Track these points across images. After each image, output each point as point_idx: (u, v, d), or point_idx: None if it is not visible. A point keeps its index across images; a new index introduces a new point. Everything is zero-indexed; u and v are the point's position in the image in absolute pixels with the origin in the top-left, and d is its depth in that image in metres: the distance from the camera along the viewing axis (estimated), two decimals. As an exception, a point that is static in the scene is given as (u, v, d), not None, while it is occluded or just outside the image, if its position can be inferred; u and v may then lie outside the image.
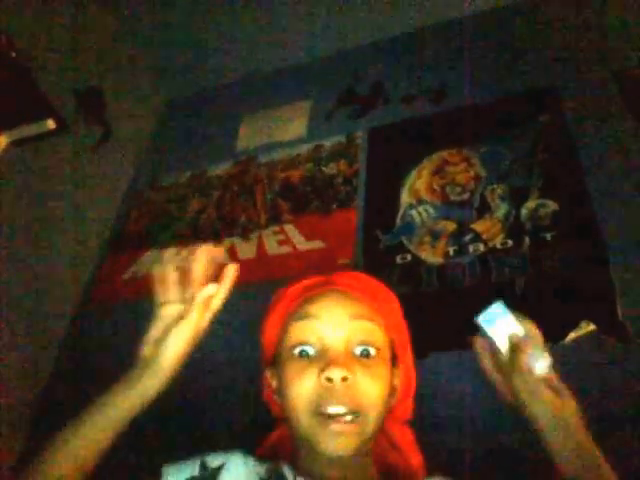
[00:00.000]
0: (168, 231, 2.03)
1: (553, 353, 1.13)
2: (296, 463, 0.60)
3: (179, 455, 0.60)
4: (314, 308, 0.62)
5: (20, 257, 1.75)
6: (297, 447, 0.62)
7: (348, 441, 0.55)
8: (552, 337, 1.22)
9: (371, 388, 0.57)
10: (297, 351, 0.59)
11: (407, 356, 0.69)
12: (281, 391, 0.60)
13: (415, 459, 0.67)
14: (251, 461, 0.58)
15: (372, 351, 0.60)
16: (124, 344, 1.88)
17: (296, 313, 0.63)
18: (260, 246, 1.80)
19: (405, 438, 0.68)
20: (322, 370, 0.56)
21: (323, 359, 0.57)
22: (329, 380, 0.55)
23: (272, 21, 2.24)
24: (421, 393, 1.28)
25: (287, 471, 0.58)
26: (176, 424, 1.42)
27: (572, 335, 1.20)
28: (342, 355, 0.57)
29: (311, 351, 0.59)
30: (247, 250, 1.80)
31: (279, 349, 0.63)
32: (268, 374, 0.67)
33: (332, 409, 0.55)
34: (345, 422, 0.55)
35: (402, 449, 0.67)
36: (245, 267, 2.10)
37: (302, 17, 2.21)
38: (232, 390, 1.41)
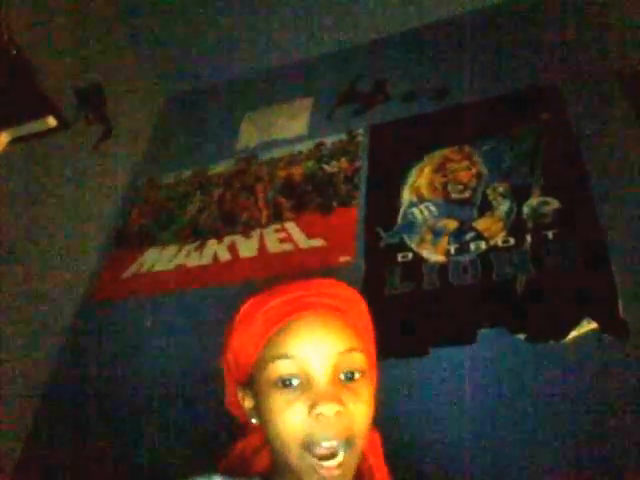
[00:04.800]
0: (169, 229, 2.03)
1: (554, 351, 1.13)
2: (272, 478, 0.60)
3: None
4: (296, 346, 0.58)
5: (20, 256, 1.75)
6: (277, 463, 0.61)
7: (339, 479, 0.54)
8: (553, 335, 1.22)
9: (360, 414, 0.56)
10: (280, 382, 0.57)
11: (374, 361, 0.67)
12: (264, 419, 0.58)
13: (381, 473, 0.64)
14: None
15: (357, 375, 0.58)
16: (126, 342, 1.87)
17: (275, 347, 0.59)
18: (261, 244, 1.80)
19: (374, 446, 0.66)
20: (313, 406, 0.54)
21: (311, 391, 0.56)
22: (321, 415, 0.54)
23: (273, 18, 2.23)
24: (422, 389, 1.28)
25: None
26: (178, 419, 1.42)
27: (573, 333, 1.20)
28: (330, 386, 0.56)
29: (295, 382, 0.57)
30: (248, 248, 1.80)
31: (255, 374, 0.60)
32: (240, 394, 0.64)
33: (325, 444, 0.53)
34: (335, 468, 0.53)
35: (371, 459, 0.65)
36: (246, 265, 2.09)
37: (303, 14, 2.20)
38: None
